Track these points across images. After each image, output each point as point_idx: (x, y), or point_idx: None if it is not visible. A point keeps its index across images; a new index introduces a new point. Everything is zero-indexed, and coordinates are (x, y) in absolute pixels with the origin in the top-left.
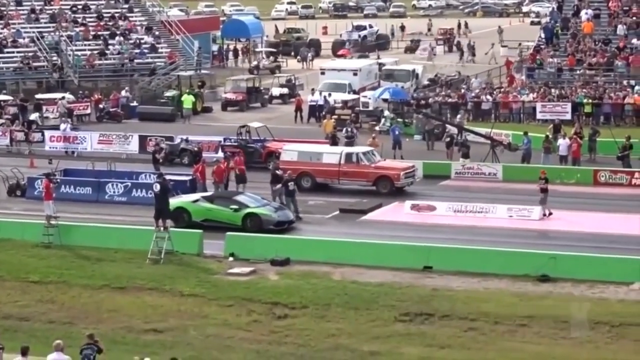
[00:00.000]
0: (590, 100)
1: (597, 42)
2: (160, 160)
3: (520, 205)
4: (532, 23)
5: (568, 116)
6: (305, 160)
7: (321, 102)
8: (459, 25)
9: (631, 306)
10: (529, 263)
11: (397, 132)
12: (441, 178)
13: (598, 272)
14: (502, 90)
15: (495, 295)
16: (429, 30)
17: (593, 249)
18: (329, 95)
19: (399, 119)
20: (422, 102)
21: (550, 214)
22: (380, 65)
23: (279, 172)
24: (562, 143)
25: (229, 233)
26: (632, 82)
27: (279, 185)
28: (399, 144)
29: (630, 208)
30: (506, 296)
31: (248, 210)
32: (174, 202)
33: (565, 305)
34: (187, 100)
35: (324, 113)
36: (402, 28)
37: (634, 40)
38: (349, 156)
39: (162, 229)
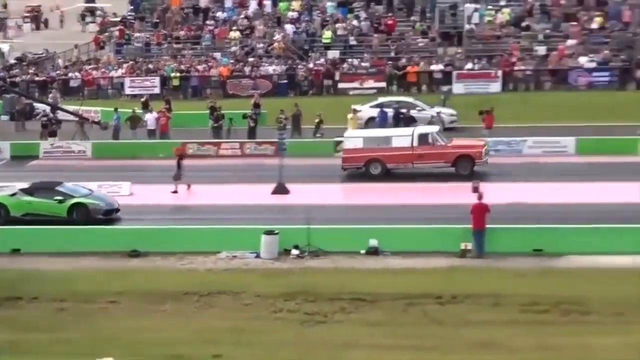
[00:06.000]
0: (177, 74)
1: (185, 15)
2: None
3: (110, 182)
4: None
5: (157, 90)
6: None
7: None
8: None
9: (218, 275)
10: (119, 239)
11: None
12: (30, 158)
13: (187, 244)
14: (90, 67)
15: (85, 274)
16: (5, 7)
17: (182, 221)
18: None
19: None
20: (9, 81)
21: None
22: None
23: None
24: (150, 117)
25: None
26: (218, 54)
27: None
28: None
29: (223, 178)
30: (97, 274)
31: (74, 200)
32: None
33: (154, 279)
34: None
35: None
36: None
37: (219, 13)
38: None
39: None
